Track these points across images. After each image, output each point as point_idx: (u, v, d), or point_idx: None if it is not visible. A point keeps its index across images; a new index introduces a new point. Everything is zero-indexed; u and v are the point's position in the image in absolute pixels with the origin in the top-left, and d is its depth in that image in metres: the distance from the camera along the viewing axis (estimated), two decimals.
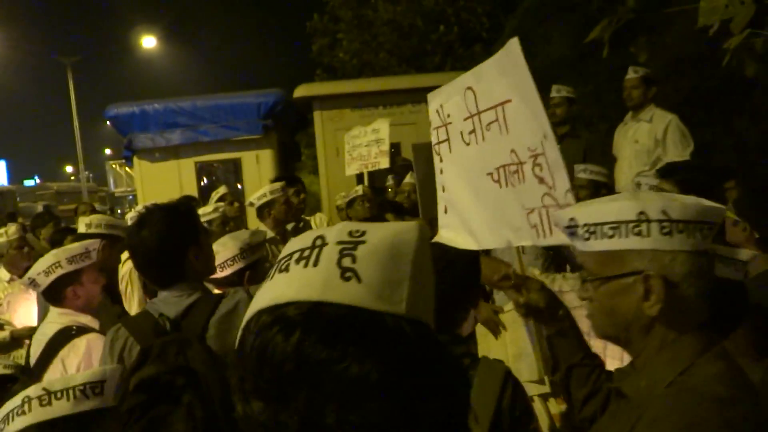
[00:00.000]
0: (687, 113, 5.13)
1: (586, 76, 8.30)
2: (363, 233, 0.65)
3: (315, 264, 0.64)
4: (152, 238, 1.93)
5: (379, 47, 13.15)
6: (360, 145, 5.14)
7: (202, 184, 7.29)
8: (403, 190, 5.08)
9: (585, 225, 1.13)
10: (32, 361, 2.49)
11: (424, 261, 0.66)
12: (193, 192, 6.81)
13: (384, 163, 5.12)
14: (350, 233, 0.66)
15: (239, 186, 7.20)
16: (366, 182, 5.28)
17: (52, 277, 2.50)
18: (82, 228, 3.90)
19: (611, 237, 1.10)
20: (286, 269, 0.66)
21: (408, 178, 5.10)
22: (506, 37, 11.67)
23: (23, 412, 1.45)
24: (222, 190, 5.63)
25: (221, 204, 4.91)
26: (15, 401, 1.47)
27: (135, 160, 7.00)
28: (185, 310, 1.91)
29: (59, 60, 24.80)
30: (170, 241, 1.95)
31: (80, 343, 2.38)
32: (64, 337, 2.42)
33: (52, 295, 2.56)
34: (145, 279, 2.18)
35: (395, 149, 6.26)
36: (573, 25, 8.93)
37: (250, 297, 1.87)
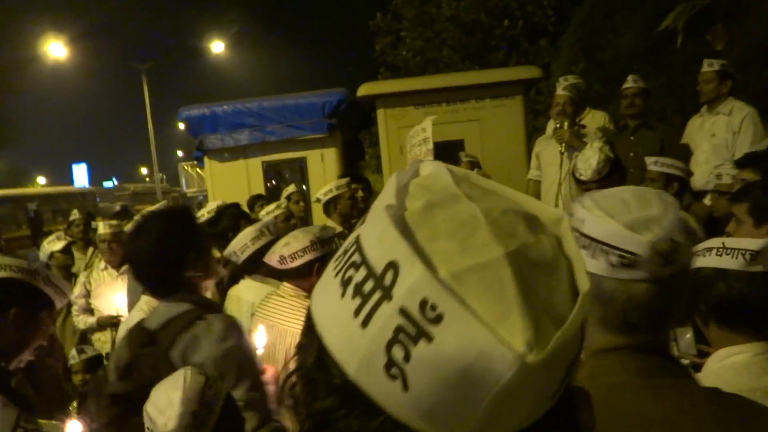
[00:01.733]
0: (766, 104, 4.86)
1: (659, 68, 7.99)
2: (437, 320, 0.44)
3: (365, 323, 0.47)
4: (148, 247, 1.92)
5: (442, 44, 13.07)
6: (414, 145, 5.09)
7: (270, 184, 7.43)
8: None
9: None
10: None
11: (521, 392, 0.45)
12: (261, 191, 6.98)
13: None
14: (422, 305, 0.45)
15: (303, 186, 7.32)
16: None
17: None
18: None
19: None
20: (344, 287, 0.50)
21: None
22: (573, 29, 11.40)
23: None
24: (291, 188, 5.76)
25: (284, 201, 5.03)
26: None
27: (205, 160, 7.22)
28: (165, 322, 1.87)
29: (134, 66, 25.86)
30: (166, 249, 1.92)
31: None
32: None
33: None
34: (144, 288, 2.14)
35: (459, 147, 6.22)
36: (643, 15, 8.62)
37: (229, 327, 1.88)
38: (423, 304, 0.45)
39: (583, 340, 0.51)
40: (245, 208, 4.96)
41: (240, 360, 1.87)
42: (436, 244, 0.48)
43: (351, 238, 0.53)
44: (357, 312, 0.47)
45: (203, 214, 4.38)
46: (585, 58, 10.35)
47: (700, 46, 3.84)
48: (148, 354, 1.78)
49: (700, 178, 4.39)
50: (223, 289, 3.35)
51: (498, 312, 0.45)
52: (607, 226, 0.95)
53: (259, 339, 2.25)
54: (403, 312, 0.45)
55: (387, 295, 0.46)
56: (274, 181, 7.63)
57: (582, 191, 3.59)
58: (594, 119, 5.16)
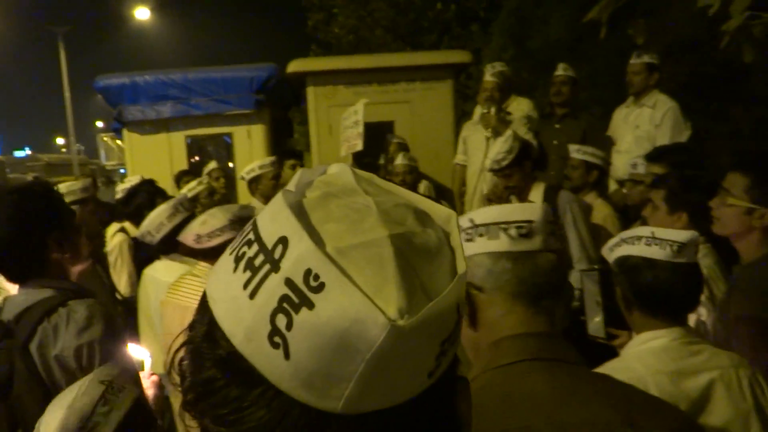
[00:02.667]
0: (683, 99, 5.08)
1: (583, 58, 8.22)
2: (319, 288, 0.46)
3: (252, 294, 0.48)
4: (2, 226, 1.73)
5: (375, 23, 12.98)
6: (347, 127, 5.02)
7: (194, 160, 7.21)
8: (396, 171, 4.88)
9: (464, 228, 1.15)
10: None
11: (392, 359, 0.46)
12: (184, 166, 6.75)
13: (359, 145, 4.82)
14: (306, 275, 0.46)
15: (230, 163, 7.13)
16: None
17: None
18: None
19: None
20: (236, 262, 0.51)
21: (400, 159, 4.95)
22: (504, 17, 11.55)
23: None
24: (212, 165, 5.59)
25: (206, 178, 4.90)
26: None
27: (124, 132, 6.90)
28: (23, 311, 1.70)
29: (51, 29, 24.43)
30: (24, 229, 1.74)
31: None
32: None
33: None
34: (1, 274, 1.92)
35: (389, 128, 6.21)
36: (572, 6, 8.83)
37: (95, 314, 1.71)
38: (307, 273, 0.46)
39: (459, 323, 0.53)
40: (165, 184, 4.78)
41: (105, 352, 1.71)
42: (326, 225, 0.50)
43: (250, 222, 0.54)
44: (246, 284, 0.49)
45: (121, 190, 4.19)
46: (514, 45, 10.53)
47: (623, 40, 3.95)
48: (2, 349, 1.61)
49: (621, 168, 4.55)
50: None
51: (376, 283, 0.47)
52: (500, 209, 1.06)
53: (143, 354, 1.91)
54: (289, 282, 0.47)
55: (275, 267, 0.48)
56: (198, 157, 7.40)
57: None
58: (519, 106, 5.25)
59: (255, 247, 0.50)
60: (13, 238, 1.74)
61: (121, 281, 3.80)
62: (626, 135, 4.61)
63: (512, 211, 1.05)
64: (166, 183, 5.00)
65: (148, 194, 3.91)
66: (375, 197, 0.53)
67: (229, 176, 6.23)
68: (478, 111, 4.97)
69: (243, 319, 0.48)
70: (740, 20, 2.59)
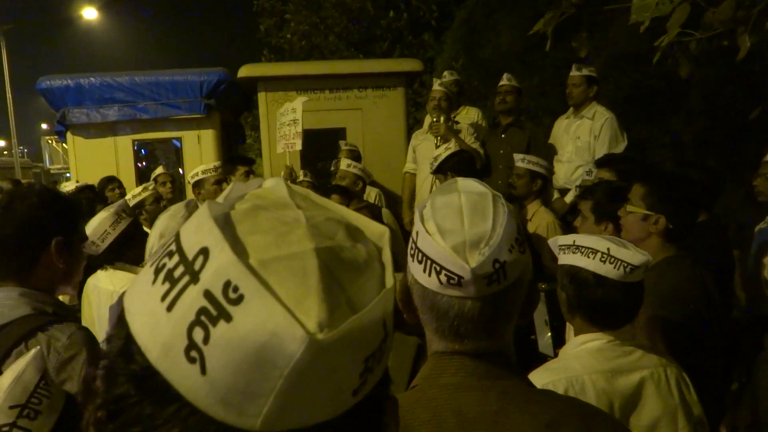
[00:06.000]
0: (626, 111, 5.26)
1: (532, 69, 8.41)
2: (237, 300, 0.44)
3: (170, 307, 0.46)
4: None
5: (327, 30, 12.98)
6: (284, 124, 4.88)
7: (142, 165, 7.05)
8: (339, 176, 4.72)
9: None
10: None
11: (312, 374, 0.45)
12: (131, 171, 6.60)
13: (298, 145, 4.64)
14: (225, 287, 0.45)
15: (180, 169, 7.00)
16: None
17: None
18: None
19: None
20: (156, 274, 0.49)
21: (343, 165, 4.75)
22: (456, 26, 11.73)
23: None
24: (159, 170, 5.48)
25: (151, 183, 4.80)
26: None
27: (69, 135, 6.70)
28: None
29: None
30: (23, 230, 1.66)
31: None
32: None
33: None
34: None
35: (341, 135, 6.21)
36: (521, 17, 9.03)
37: (74, 341, 1.60)
38: (226, 285, 0.44)
39: (386, 340, 0.51)
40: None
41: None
42: (252, 237, 0.48)
43: (173, 233, 0.52)
44: (164, 296, 0.47)
45: None
46: (466, 54, 10.69)
47: (568, 52, 4.06)
48: None
49: (562, 177, 4.68)
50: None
51: (297, 296, 0.45)
52: (436, 247, 0.97)
53: None
54: (207, 294, 0.45)
55: (194, 278, 0.46)
56: (145, 162, 7.25)
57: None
58: (468, 115, 5.33)
59: (175, 258, 0.48)
60: (6, 238, 1.66)
61: None
62: (567, 145, 4.74)
63: (448, 258, 0.96)
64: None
65: (87, 201, 3.80)
66: (306, 211, 0.52)
67: (178, 181, 6.12)
68: (428, 120, 5.02)
69: (160, 333, 0.46)
70: (673, 36, 2.69)
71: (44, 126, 40.66)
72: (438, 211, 1.01)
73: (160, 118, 6.61)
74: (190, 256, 0.47)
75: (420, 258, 0.99)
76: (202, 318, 0.44)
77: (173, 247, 0.49)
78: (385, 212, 4.51)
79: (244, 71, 6.34)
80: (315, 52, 12.93)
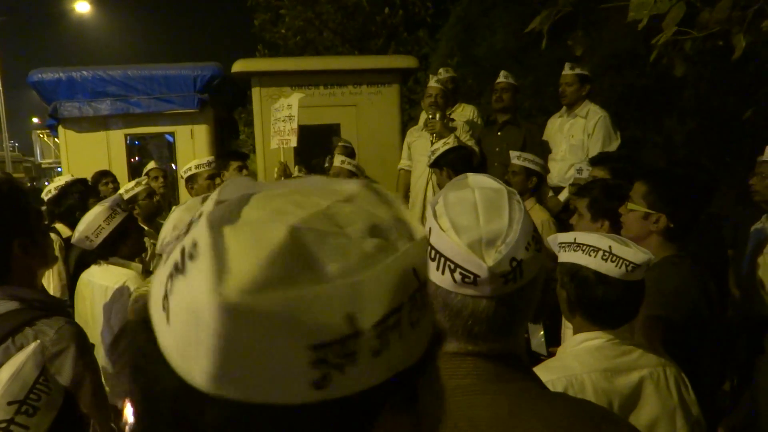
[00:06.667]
0: (620, 110, 5.27)
1: (527, 67, 8.41)
2: (193, 256, 0.46)
3: (165, 263, 0.51)
4: None
5: (322, 25, 12.94)
6: (279, 119, 4.85)
7: (134, 160, 7.00)
8: (332, 173, 4.73)
9: None
10: None
11: (235, 341, 0.43)
12: (123, 166, 6.55)
13: (293, 141, 4.58)
14: (193, 244, 0.47)
15: (173, 164, 6.96)
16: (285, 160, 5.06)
17: None
18: None
19: None
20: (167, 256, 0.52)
21: (336, 161, 4.78)
22: (451, 24, 11.72)
23: None
24: (151, 164, 5.45)
25: (145, 178, 4.77)
26: None
27: (60, 129, 6.64)
28: None
29: None
30: None
31: None
32: None
33: None
34: None
35: (335, 131, 6.19)
36: (517, 15, 9.02)
37: (62, 336, 1.59)
38: (194, 242, 0.47)
39: (352, 338, 0.46)
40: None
41: (75, 377, 1.60)
42: (248, 209, 0.50)
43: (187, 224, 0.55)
44: (167, 261, 0.50)
45: (50, 190, 4.03)
46: (461, 52, 10.68)
47: (565, 51, 4.06)
48: None
49: (556, 175, 4.69)
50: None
51: (241, 259, 0.45)
52: (451, 244, 0.94)
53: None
54: (182, 250, 0.48)
55: (182, 238, 0.50)
56: (138, 157, 7.20)
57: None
58: (463, 113, 5.32)
59: (180, 238, 0.52)
60: None
61: (52, 284, 3.65)
62: (561, 144, 4.75)
63: (463, 256, 0.93)
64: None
65: (80, 194, 3.76)
66: (343, 205, 0.51)
67: (171, 176, 6.09)
68: (423, 116, 5.01)
69: (156, 286, 0.50)
70: (669, 35, 2.69)
71: (35, 120, 40.35)
72: (452, 207, 0.97)
73: (153, 113, 6.55)
74: (185, 228, 0.51)
75: (433, 255, 0.95)
76: (172, 271, 0.48)
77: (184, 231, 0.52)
78: None
79: (238, 66, 6.30)
80: (310, 48, 12.89)
